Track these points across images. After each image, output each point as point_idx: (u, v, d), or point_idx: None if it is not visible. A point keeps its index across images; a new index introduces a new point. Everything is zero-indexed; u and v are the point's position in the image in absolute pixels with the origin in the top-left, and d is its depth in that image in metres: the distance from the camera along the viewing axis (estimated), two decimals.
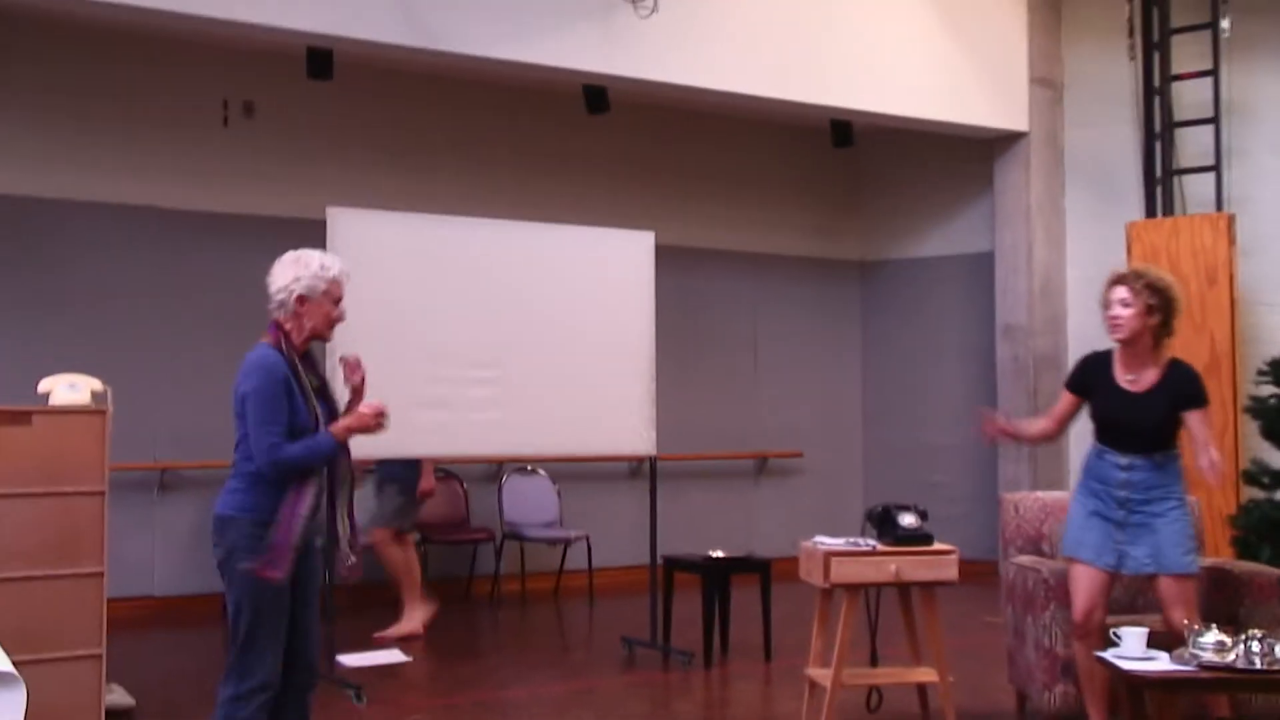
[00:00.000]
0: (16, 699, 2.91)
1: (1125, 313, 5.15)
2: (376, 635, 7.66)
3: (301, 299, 4.20)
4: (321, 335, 4.29)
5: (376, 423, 4.23)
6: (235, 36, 8.14)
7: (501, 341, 7.15)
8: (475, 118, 10.19)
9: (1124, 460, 5.12)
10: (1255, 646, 4.34)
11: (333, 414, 4.29)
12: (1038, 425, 5.70)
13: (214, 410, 8.89)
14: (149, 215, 8.99)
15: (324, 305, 4.23)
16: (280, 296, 4.22)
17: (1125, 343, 5.19)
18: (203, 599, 8.88)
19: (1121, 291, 5.17)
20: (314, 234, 8.27)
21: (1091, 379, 5.29)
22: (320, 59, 8.19)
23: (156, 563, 8.83)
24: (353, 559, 4.35)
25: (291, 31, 7.74)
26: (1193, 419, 5.09)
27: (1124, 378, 5.19)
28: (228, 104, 9.30)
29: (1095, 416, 5.28)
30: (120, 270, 8.89)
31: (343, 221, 6.75)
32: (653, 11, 8.40)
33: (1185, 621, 4.76)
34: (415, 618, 7.90)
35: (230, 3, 7.35)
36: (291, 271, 4.22)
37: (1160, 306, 5.13)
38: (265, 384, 4.12)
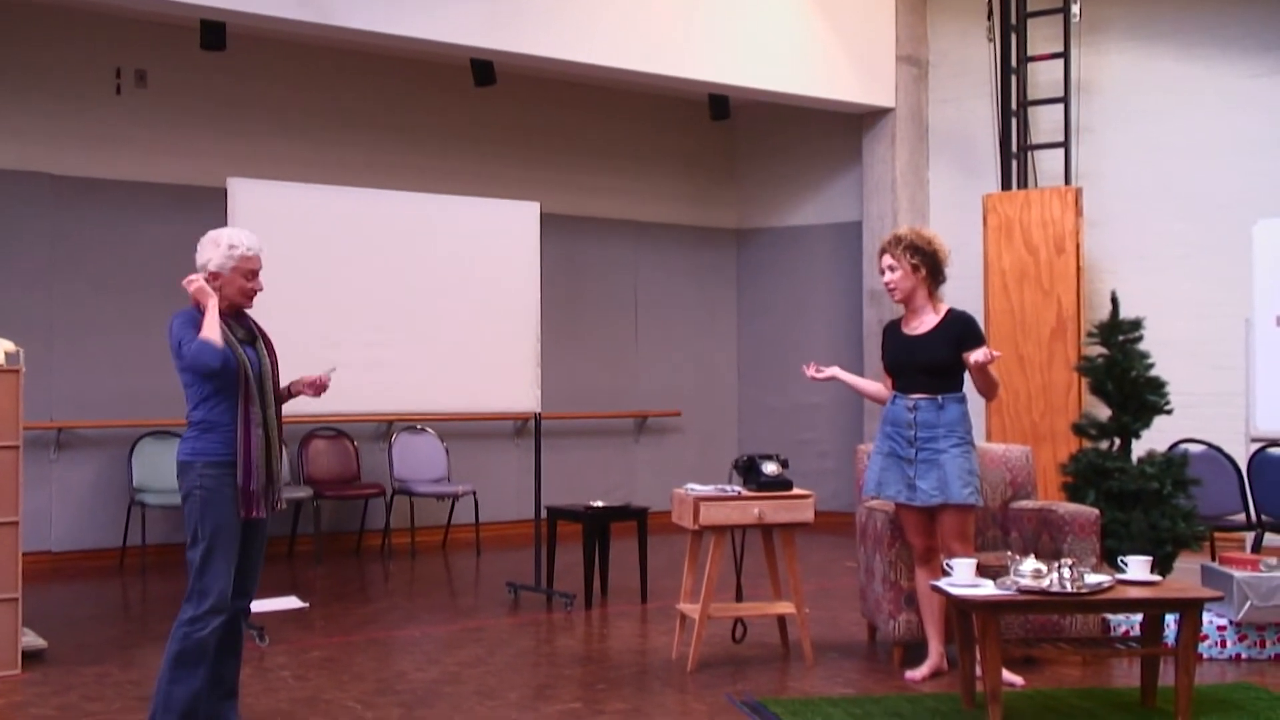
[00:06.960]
0: None
1: (894, 276, 5.74)
2: None
3: (214, 275, 4.75)
4: (239, 304, 4.82)
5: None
6: (128, 7, 8.33)
7: (394, 307, 7.50)
8: (367, 90, 10.45)
9: (910, 402, 5.70)
10: (1066, 573, 4.97)
11: (263, 362, 4.80)
12: (876, 385, 6.05)
13: (110, 371, 9.24)
14: (40, 180, 9.14)
15: (235, 279, 4.76)
16: (201, 272, 4.77)
17: (902, 302, 5.80)
18: (99, 553, 9.16)
19: (887, 259, 5.76)
20: (205, 201, 8.51)
21: (889, 341, 5.87)
22: (213, 31, 8.42)
23: (54, 519, 9.06)
24: (283, 503, 4.85)
25: (185, 4, 7.98)
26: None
27: (907, 328, 5.79)
28: (120, 73, 9.45)
29: (885, 364, 5.85)
30: (13, 235, 9.03)
31: (242, 191, 7.03)
32: None
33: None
34: None
35: None
36: (206, 251, 4.78)
37: (923, 262, 5.71)
38: (184, 323, 4.67)
